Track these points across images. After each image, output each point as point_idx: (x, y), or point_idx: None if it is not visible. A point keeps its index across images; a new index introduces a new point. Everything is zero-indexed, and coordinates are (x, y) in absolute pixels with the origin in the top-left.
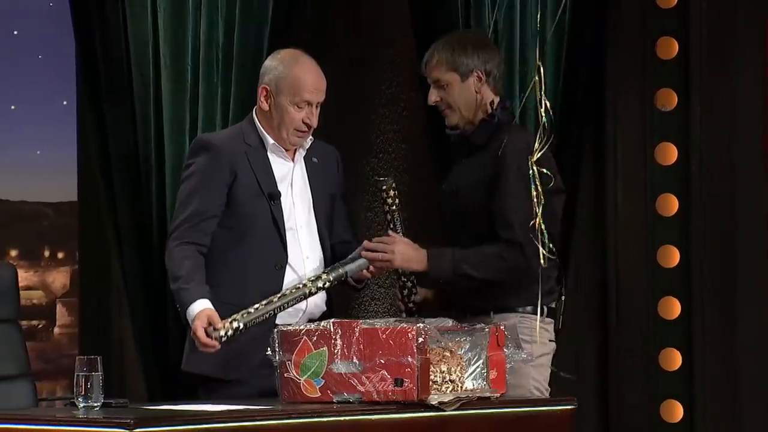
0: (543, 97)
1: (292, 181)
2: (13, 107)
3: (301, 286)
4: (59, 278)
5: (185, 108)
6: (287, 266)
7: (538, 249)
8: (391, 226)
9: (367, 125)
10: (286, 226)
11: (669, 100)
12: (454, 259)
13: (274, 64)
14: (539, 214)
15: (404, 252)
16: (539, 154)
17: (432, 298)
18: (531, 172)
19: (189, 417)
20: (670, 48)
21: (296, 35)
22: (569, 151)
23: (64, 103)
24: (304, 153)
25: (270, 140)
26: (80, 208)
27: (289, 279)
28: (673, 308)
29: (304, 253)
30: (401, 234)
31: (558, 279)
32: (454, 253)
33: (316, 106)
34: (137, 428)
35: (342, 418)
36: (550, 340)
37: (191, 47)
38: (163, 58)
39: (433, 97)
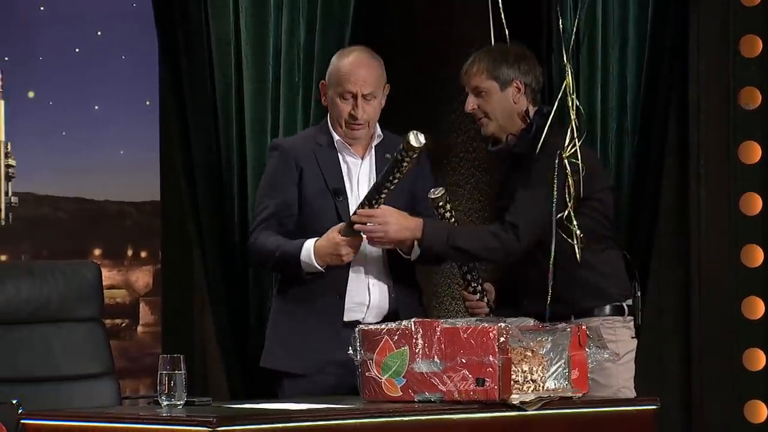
0: (573, 98)
1: (359, 178)
2: (96, 107)
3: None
4: (142, 277)
5: (267, 108)
6: (351, 262)
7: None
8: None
9: (448, 124)
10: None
11: (753, 98)
12: (448, 230)
13: (333, 59)
14: (571, 207)
15: (398, 221)
16: (571, 150)
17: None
18: (560, 166)
19: (271, 415)
20: (754, 46)
21: (378, 34)
22: (652, 150)
23: (147, 103)
24: (373, 148)
25: (336, 137)
26: (163, 207)
27: (354, 275)
28: (756, 308)
29: (366, 248)
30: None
31: (630, 275)
32: (449, 226)
33: (366, 99)
34: (220, 426)
35: (423, 418)
36: (632, 338)
37: (273, 48)
38: (245, 58)
39: (471, 105)
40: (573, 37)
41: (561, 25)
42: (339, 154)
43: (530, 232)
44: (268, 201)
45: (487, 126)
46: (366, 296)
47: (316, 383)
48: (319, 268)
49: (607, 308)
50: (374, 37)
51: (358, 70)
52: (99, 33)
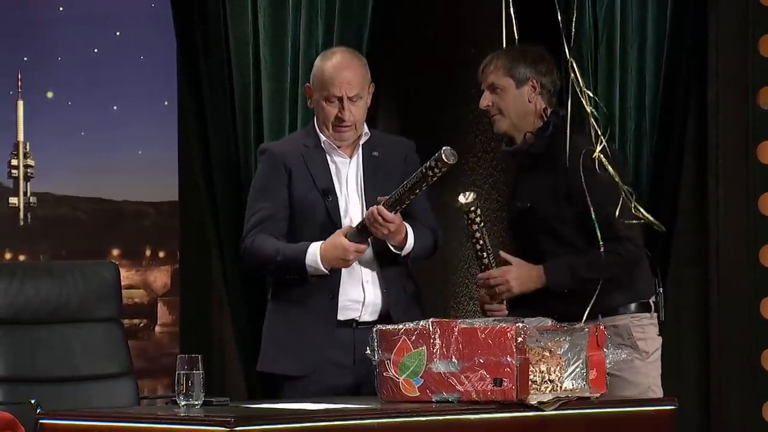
0: (586, 93)
1: (347, 177)
2: (115, 107)
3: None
4: (160, 277)
5: (285, 108)
6: None
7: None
8: (479, 246)
9: (465, 125)
10: (343, 221)
11: None
12: (569, 267)
13: (316, 61)
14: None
15: (519, 277)
16: (598, 150)
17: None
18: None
19: (289, 415)
20: None
21: (395, 35)
22: (671, 150)
23: (166, 103)
24: (360, 147)
25: (323, 138)
26: (181, 207)
27: (346, 273)
28: None
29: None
30: (491, 257)
31: (653, 272)
32: (568, 262)
33: (352, 101)
34: (238, 426)
35: (441, 418)
36: (658, 335)
37: (291, 48)
38: (263, 58)
39: (486, 101)
40: (592, 36)
41: (569, 21)
42: (327, 155)
43: (636, 234)
44: (260, 204)
45: (500, 123)
46: (361, 293)
47: (314, 384)
48: (325, 271)
49: (633, 305)
50: (392, 38)
51: (342, 72)
52: (117, 33)
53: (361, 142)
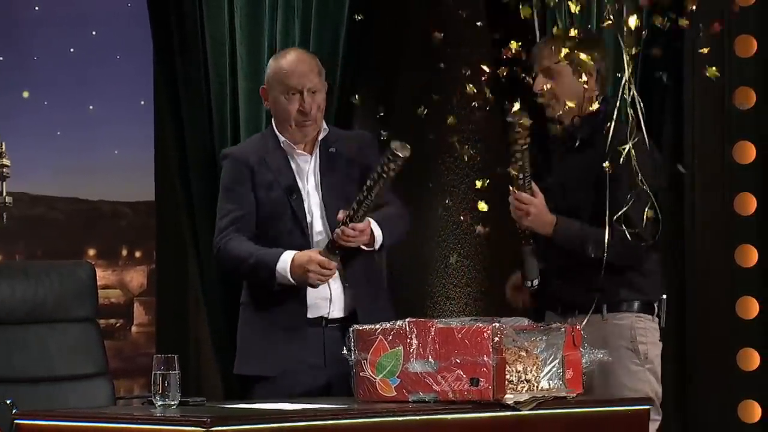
0: (633, 91)
1: (308, 175)
2: (91, 107)
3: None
4: (137, 277)
5: (261, 108)
6: None
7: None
8: (519, 165)
9: (443, 125)
10: (308, 219)
11: (747, 98)
12: (579, 231)
13: (270, 63)
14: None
15: (538, 214)
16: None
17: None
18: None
19: (265, 415)
20: (748, 46)
21: (372, 34)
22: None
23: (142, 103)
24: (318, 150)
25: (282, 138)
26: (158, 207)
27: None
28: (751, 308)
29: (320, 243)
30: (527, 179)
31: (663, 274)
32: (581, 227)
33: (312, 93)
34: (214, 427)
35: (418, 418)
36: (659, 340)
37: (268, 47)
38: (240, 58)
39: (540, 85)
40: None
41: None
42: (287, 155)
43: (647, 232)
44: (229, 207)
45: (555, 107)
46: (327, 289)
47: (287, 386)
48: (292, 281)
49: (637, 304)
50: (369, 37)
51: (299, 66)
52: (94, 33)
53: (320, 138)
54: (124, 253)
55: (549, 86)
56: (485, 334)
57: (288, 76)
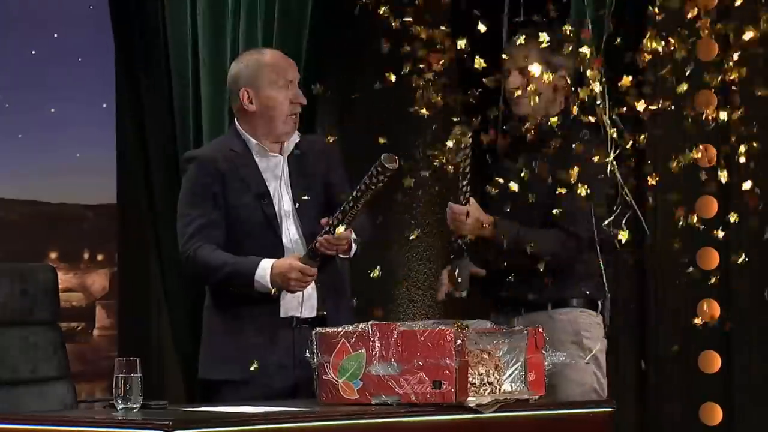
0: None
1: (279, 179)
2: (53, 110)
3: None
4: (99, 280)
5: (224, 111)
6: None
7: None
8: (464, 182)
9: (407, 125)
10: (280, 224)
11: (708, 103)
12: (517, 231)
13: (242, 66)
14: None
15: (473, 220)
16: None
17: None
18: (609, 170)
19: (227, 419)
20: (709, 50)
21: (335, 36)
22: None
23: (104, 105)
24: (289, 150)
25: (254, 142)
26: (119, 210)
27: None
28: (712, 310)
29: (292, 247)
30: (466, 195)
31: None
32: (517, 227)
33: (295, 85)
34: (176, 430)
35: (380, 420)
36: (603, 337)
37: (230, 50)
38: (202, 60)
39: (514, 83)
40: None
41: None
42: (256, 157)
43: (586, 236)
44: (196, 212)
45: (524, 106)
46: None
47: (256, 387)
48: (270, 288)
49: (581, 300)
50: (332, 39)
51: (283, 59)
52: (55, 35)
53: (292, 141)
54: (86, 256)
55: (521, 85)
56: (448, 336)
57: (278, 67)
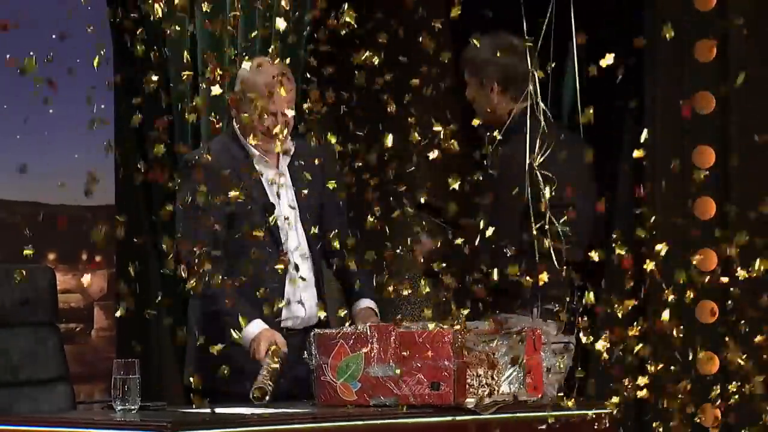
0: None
1: (280, 187)
2: (51, 111)
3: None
4: (97, 281)
5: (223, 112)
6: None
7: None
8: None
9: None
10: (282, 232)
11: (706, 103)
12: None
13: (245, 74)
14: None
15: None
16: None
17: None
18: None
19: (225, 420)
20: (708, 51)
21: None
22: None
23: (102, 106)
24: (288, 159)
25: (255, 151)
26: (118, 211)
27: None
28: (710, 311)
29: (293, 255)
30: None
31: (569, 284)
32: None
33: (290, 99)
34: (174, 431)
35: (378, 422)
36: (555, 334)
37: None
38: (201, 61)
39: (466, 92)
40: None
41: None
42: (256, 165)
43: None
44: (204, 221)
45: (477, 115)
46: (301, 309)
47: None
48: (245, 344)
49: (535, 310)
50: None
51: (265, 83)
52: (54, 36)
53: (291, 151)
54: (84, 257)
55: (471, 95)
56: (446, 338)
57: (255, 90)
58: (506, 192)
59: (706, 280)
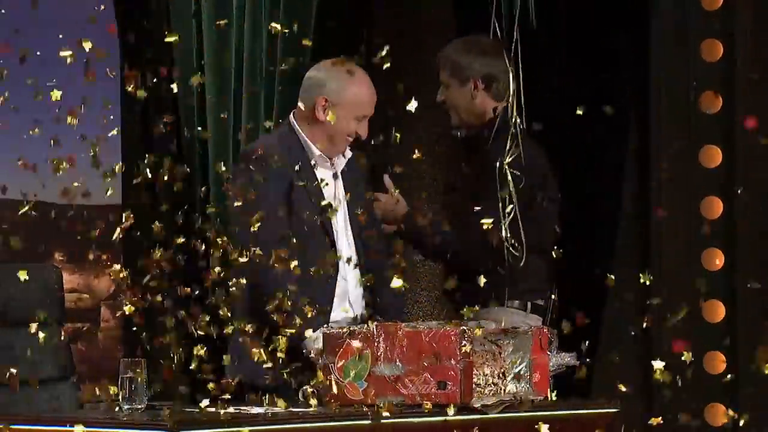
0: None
1: (336, 190)
2: (57, 110)
3: None
4: (103, 280)
5: (229, 111)
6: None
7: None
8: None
9: (422, 114)
10: (337, 240)
11: (713, 102)
12: (425, 232)
13: (330, 75)
14: (508, 215)
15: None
16: (512, 157)
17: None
18: (503, 173)
19: (231, 420)
20: (714, 50)
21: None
22: (612, 155)
23: (109, 106)
24: (344, 163)
25: (316, 151)
26: (124, 210)
27: (340, 286)
28: (718, 311)
29: (345, 262)
30: None
31: (549, 278)
32: (430, 227)
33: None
34: (179, 430)
35: (384, 421)
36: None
37: (234, 52)
38: (207, 61)
39: (439, 96)
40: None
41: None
42: (317, 169)
43: (475, 245)
44: (274, 221)
45: (453, 117)
46: (350, 309)
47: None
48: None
49: (517, 302)
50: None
51: (373, 95)
52: (60, 36)
53: (348, 157)
54: (91, 256)
55: (443, 97)
56: (453, 337)
57: (368, 103)
58: (493, 191)
59: None
